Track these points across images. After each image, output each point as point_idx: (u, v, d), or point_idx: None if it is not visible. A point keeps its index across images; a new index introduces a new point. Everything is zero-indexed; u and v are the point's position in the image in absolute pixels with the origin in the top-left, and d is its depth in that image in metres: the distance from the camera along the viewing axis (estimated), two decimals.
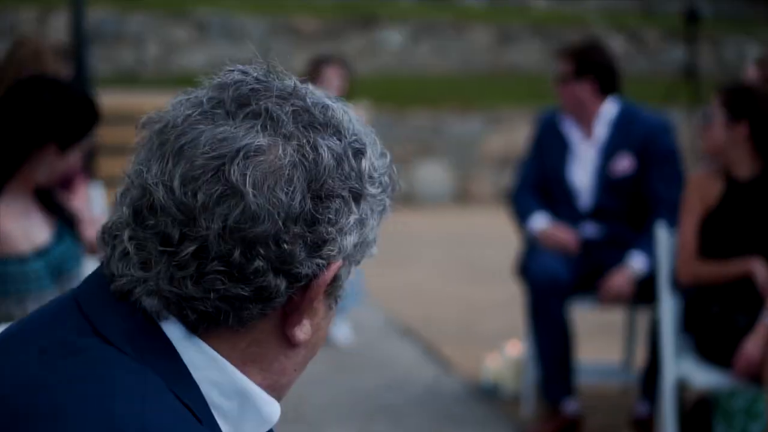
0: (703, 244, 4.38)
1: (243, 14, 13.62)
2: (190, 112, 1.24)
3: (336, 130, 1.25)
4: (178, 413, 1.20)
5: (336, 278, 1.26)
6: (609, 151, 5.05)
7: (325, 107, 1.26)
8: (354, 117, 1.29)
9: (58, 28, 12.38)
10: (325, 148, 1.22)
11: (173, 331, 1.23)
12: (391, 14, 14.30)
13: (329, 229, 1.22)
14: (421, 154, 10.81)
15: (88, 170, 4.96)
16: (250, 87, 1.26)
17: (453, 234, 9.19)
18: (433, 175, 10.85)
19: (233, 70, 1.28)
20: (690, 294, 4.45)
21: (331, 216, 1.22)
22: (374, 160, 1.27)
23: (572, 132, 5.12)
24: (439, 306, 7.16)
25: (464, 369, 5.78)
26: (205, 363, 1.24)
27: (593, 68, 5.02)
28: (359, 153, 1.25)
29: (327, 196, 1.22)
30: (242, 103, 1.25)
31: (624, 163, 5.03)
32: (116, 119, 10.50)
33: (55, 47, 4.74)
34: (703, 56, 11.11)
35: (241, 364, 1.26)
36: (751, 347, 4.03)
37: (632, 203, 5.05)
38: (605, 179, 5.03)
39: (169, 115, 1.26)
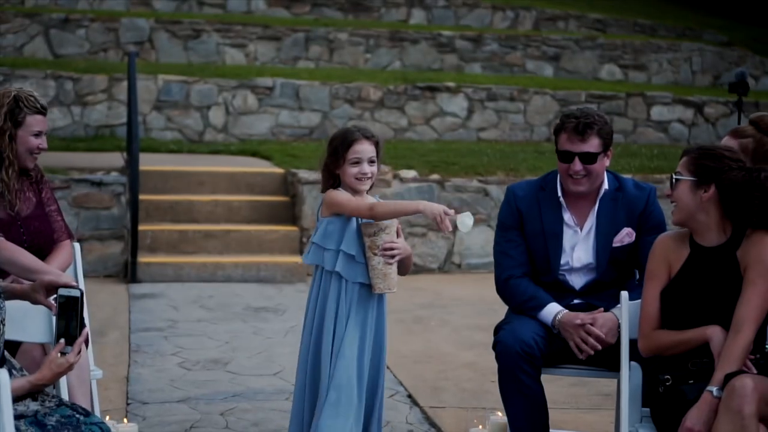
0: (665, 312, 4.32)
1: (307, 81, 13.82)
2: None
3: None
4: None
5: None
6: (609, 226, 4.97)
7: None
8: None
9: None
10: None
11: None
12: (455, 81, 14.40)
13: None
14: None
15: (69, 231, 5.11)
16: None
17: (484, 301, 9.14)
18: (477, 242, 10.83)
19: None
20: (647, 364, 4.41)
21: None
22: None
23: (564, 208, 5.01)
24: (450, 372, 7.14)
25: None
26: None
27: None
28: None
29: None
30: None
31: (623, 236, 4.97)
32: (181, 183, 10.81)
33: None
34: None
35: None
36: (690, 419, 3.95)
37: (624, 274, 5.02)
38: (606, 255, 4.95)
39: None
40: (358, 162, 4.67)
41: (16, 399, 3.46)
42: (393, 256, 4.61)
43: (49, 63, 13.63)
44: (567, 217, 5.01)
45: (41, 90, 12.69)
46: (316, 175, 10.56)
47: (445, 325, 8.55)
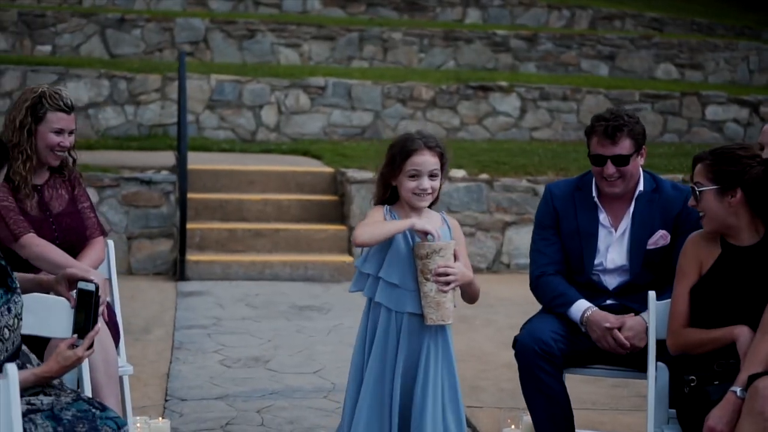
0: (694, 310, 4.28)
1: (359, 81, 13.85)
2: None
3: None
4: None
5: None
6: (643, 228, 4.91)
7: None
8: None
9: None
10: None
11: None
12: (507, 80, 14.35)
13: None
14: (517, 222, 10.77)
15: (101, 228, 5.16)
16: None
17: (530, 301, 9.07)
18: (526, 242, 10.77)
19: None
20: (674, 365, 4.36)
21: None
22: None
23: (600, 209, 4.96)
24: (490, 371, 7.12)
25: None
26: None
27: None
28: None
29: None
30: None
31: (657, 238, 4.91)
32: (232, 182, 10.89)
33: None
34: None
35: None
36: (713, 419, 3.91)
37: (660, 276, 4.95)
38: (640, 257, 4.89)
39: None
40: (416, 175, 4.19)
41: (24, 391, 3.50)
42: (447, 283, 4.11)
43: (103, 62, 13.78)
44: (602, 217, 4.97)
45: (95, 89, 12.86)
46: (364, 174, 10.59)
47: (489, 324, 8.52)
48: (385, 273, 4.17)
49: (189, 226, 10.08)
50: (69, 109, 4.95)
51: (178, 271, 9.89)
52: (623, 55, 16.40)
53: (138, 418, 5.23)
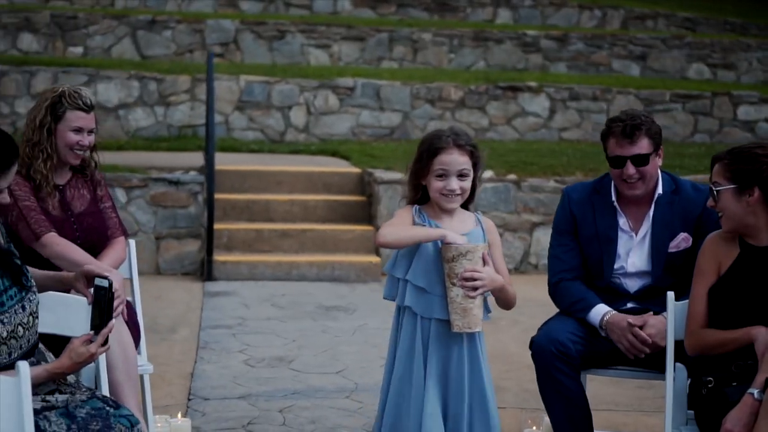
0: (712, 311, 4.25)
1: (388, 81, 13.85)
2: None
3: None
4: None
5: None
6: (664, 232, 4.86)
7: None
8: None
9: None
10: None
11: None
12: (537, 81, 14.31)
13: None
14: (545, 222, 10.74)
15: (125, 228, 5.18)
16: None
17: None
18: None
19: None
20: (693, 366, 4.34)
21: None
22: None
23: (619, 213, 4.90)
24: (514, 372, 7.10)
25: None
26: None
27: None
28: None
29: None
30: None
31: (679, 241, 4.86)
32: (259, 183, 10.93)
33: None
34: None
35: None
36: (730, 421, 3.88)
37: (682, 278, 4.91)
38: (661, 260, 4.85)
39: None
40: (443, 175, 4.01)
41: (39, 388, 3.53)
42: (475, 289, 3.92)
43: (133, 64, 13.86)
44: (622, 221, 4.92)
45: (125, 90, 12.93)
46: (392, 175, 10.60)
47: (515, 324, 8.50)
48: (413, 276, 4.01)
49: (216, 226, 10.11)
50: (88, 108, 4.98)
51: (205, 271, 9.93)
52: (655, 55, 16.32)
53: (158, 416, 5.25)
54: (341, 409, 6.20)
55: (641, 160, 4.77)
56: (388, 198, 10.45)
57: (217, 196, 10.30)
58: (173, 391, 6.52)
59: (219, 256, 10.02)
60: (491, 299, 4.13)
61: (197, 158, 11.42)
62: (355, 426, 5.92)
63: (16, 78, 12.92)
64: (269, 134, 13.46)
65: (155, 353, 7.21)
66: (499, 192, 10.72)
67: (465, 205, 4.14)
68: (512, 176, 10.89)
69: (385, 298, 4.15)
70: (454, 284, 3.90)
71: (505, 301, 4.11)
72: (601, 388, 6.58)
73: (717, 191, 4.22)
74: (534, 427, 5.47)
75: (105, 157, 10.69)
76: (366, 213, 10.84)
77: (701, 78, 16.38)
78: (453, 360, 4.03)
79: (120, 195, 10.09)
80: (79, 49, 14.59)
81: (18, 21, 14.46)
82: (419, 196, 4.12)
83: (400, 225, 4.01)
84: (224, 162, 11.10)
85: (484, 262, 3.94)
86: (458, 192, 4.01)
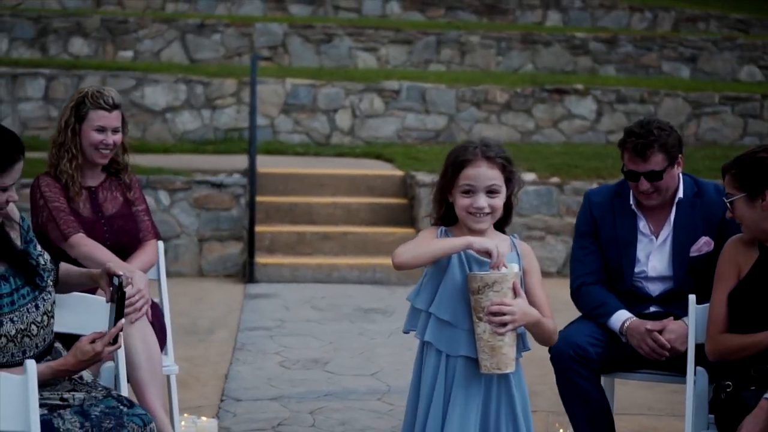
0: (733, 315, 4.22)
1: (433, 84, 13.85)
2: None
3: None
4: None
5: None
6: (686, 235, 4.81)
7: None
8: None
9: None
10: None
11: None
12: (584, 83, 14.25)
13: None
14: None
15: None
16: None
17: None
18: None
19: None
20: (714, 370, 4.31)
21: None
22: None
23: (639, 216, 4.87)
24: (548, 376, 7.07)
25: None
26: None
27: None
28: None
29: None
30: None
31: (701, 245, 4.81)
32: (302, 185, 10.99)
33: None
34: None
35: None
36: (746, 426, 3.85)
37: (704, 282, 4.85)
38: (683, 264, 4.81)
39: None
40: (470, 191, 3.55)
41: (54, 386, 3.58)
42: (503, 324, 3.44)
43: (181, 68, 13.98)
44: (642, 225, 4.89)
45: (172, 94, 13.05)
46: (434, 177, 10.60)
47: None
48: (437, 308, 3.54)
49: (258, 228, 10.18)
50: (110, 107, 5.03)
51: (247, 273, 9.99)
52: (705, 57, 16.17)
53: (184, 416, 5.29)
54: (372, 411, 6.22)
55: (655, 176, 4.73)
56: (430, 201, 10.43)
57: (259, 198, 10.37)
58: (207, 392, 6.58)
59: (261, 259, 10.08)
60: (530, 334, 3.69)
61: (242, 161, 11.49)
62: (384, 428, 5.94)
63: (65, 82, 13.09)
64: (315, 137, 13.52)
65: (192, 354, 7.28)
66: (542, 195, 10.69)
67: (500, 227, 3.71)
68: (555, 179, 10.85)
69: (404, 331, 3.70)
70: (480, 319, 3.44)
71: (543, 337, 3.67)
72: (633, 392, 6.55)
73: (730, 202, 4.20)
74: (561, 430, 5.45)
75: (151, 160, 10.93)
76: (408, 216, 10.85)
77: (753, 80, 16.20)
78: (486, 405, 3.57)
79: (163, 197, 10.19)
80: (129, 53, 14.74)
81: (69, 25, 14.64)
82: (443, 213, 3.68)
83: (419, 242, 3.57)
84: (269, 165, 11.17)
85: (515, 293, 3.48)
86: (487, 210, 3.55)
